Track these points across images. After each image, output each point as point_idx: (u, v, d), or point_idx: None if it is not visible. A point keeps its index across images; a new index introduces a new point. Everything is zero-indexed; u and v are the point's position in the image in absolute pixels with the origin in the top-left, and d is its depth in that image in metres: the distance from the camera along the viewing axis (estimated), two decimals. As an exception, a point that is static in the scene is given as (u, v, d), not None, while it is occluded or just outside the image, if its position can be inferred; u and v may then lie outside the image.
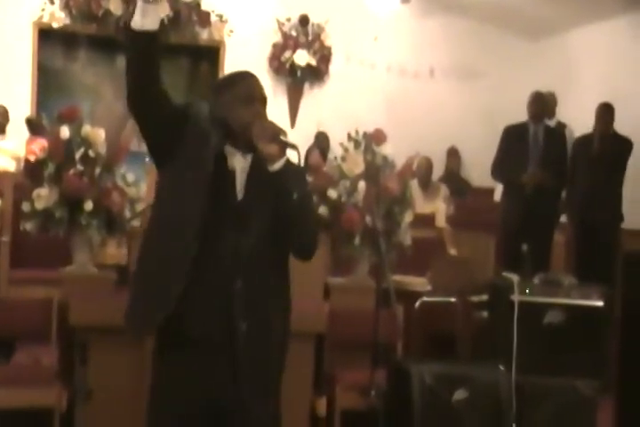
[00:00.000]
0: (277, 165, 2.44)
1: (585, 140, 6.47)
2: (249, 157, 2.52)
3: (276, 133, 2.45)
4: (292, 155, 2.54)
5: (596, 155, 6.29)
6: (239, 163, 2.51)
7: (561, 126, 7.32)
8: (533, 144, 6.12)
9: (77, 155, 3.99)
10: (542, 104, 6.26)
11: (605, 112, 6.37)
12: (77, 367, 3.61)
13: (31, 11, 7.32)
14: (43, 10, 7.32)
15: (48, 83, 7.26)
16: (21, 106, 7.08)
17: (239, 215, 2.46)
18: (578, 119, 7.16)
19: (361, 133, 4.84)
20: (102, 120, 7.00)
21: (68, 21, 7.39)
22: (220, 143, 2.48)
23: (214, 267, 2.42)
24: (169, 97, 2.47)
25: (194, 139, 2.45)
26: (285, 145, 2.47)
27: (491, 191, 7.59)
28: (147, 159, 6.72)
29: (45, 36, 7.39)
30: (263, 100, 2.53)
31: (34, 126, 6.04)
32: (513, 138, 6.18)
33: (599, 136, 6.35)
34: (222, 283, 2.42)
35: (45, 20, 7.36)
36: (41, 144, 3.94)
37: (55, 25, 7.37)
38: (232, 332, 2.42)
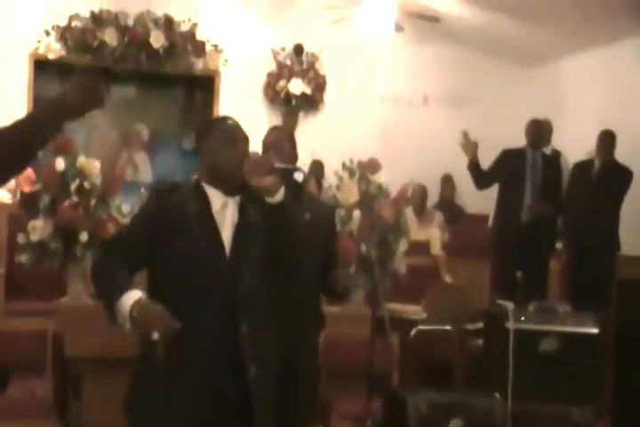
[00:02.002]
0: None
1: (584, 167, 6.50)
2: (237, 199, 2.54)
3: (270, 165, 2.48)
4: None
5: (595, 181, 6.33)
6: (232, 213, 2.50)
7: (556, 154, 7.36)
8: (531, 171, 6.14)
9: (72, 186, 4.01)
10: (540, 131, 6.31)
11: (607, 139, 6.42)
12: (72, 400, 3.60)
13: (27, 42, 7.36)
14: (39, 41, 7.36)
15: (43, 114, 7.28)
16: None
17: (231, 271, 2.46)
18: (571, 146, 7.21)
19: (355, 162, 4.87)
20: (97, 150, 7.13)
21: (63, 52, 7.44)
22: (205, 211, 2.47)
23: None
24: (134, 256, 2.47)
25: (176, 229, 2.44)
26: (286, 171, 2.51)
27: (486, 218, 7.59)
28: (142, 189, 6.78)
29: (41, 67, 7.43)
30: (246, 140, 2.57)
31: None
32: (510, 160, 6.20)
33: (601, 163, 6.38)
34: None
35: (41, 51, 7.40)
36: (28, 176, 3.95)
37: (51, 56, 7.42)
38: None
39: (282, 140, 3.24)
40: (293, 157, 3.30)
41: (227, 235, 2.47)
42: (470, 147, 6.14)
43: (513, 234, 5.99)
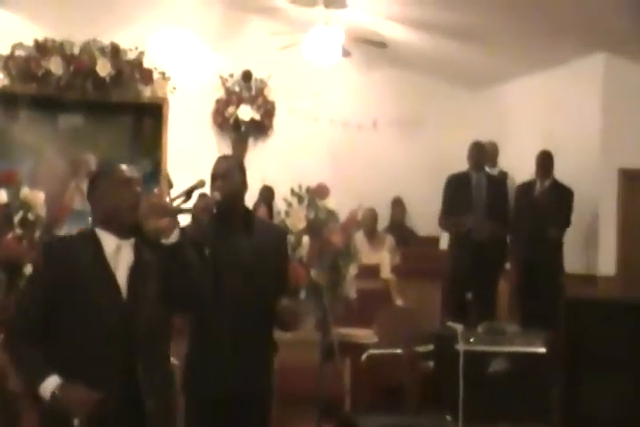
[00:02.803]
0: (173, 237, 2.54)
1: (526, 188, 6.62)
2: (132, 241, 2.60)
3: (166, 207, 2.55)
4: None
5: (537, 202, 6.44)
6: (126, 256, 2.57)
7: (503, 175, 7.48)
8: (476, 192, 6.24)
9: (16, 218, 3.97)
10: (482, 153, 6.41)
11: (545, 160, 6.55)
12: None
13: (-30, 72, 7.29)
14: (-19, 71, 7.29)
15: (-13, 143, 7.21)
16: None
17: (129, 312, 2.53)
18: (518, 168, 7.33)
19: (304, 188, 4.90)
20: (44, 181, 7.04)
21: (7, 82, 7.36)
22: (98, 255, 2.55)
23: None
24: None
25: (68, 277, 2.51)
26: (180, 212, 2.59)
27: (436, 240, 7.68)
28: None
29: (-16, 97, 7.35)
30: (138, 182, 2.65)
31: None
32: (455, 186, 6.31)
33: (540, 183, 6.50)
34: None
35: (-16, 80, 7.33)
36: None
37: (-6, 86, 7.34)
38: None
39: (231, 170, 3.24)
40: (243, 185, 3.30)
41: (122, 277, 2.54)
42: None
43: (465, 255, 6.05)
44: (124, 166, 2.65)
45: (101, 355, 2.48)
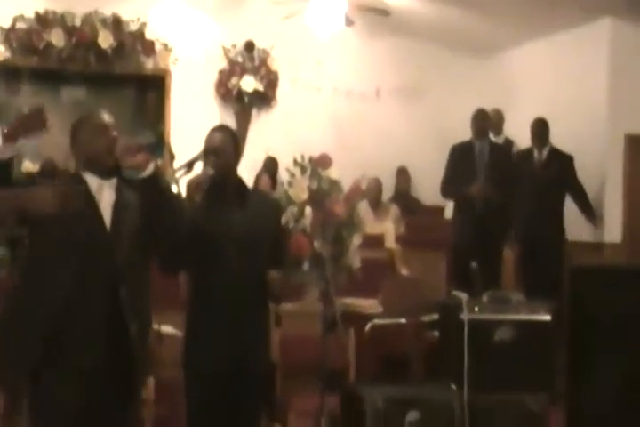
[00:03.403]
0: (147, 171, 2.76)
1: (525, 155, 6.58)
2: (113, 182, 2.83)
3: (138, 145, 2.76)
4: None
5: (536, 170, 6.40)
6: (108, 195, 2.81)
7: (508, 143, 7.42)
8: (479, 160, 6.19)
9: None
10: (484, 121, 6.35)
11: (539, 127, 6.49)
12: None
13: (-30, 45, 7.26)
14: (-18, 44, 7.26)
15: (-11, 116, 7.19)
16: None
17: (111, 243, 2.76)
18: (524, 136, 7.27)
19: (307, 158, 4.87)
20: (47, 152, 7.04)
21: (8, 55, 7.32)
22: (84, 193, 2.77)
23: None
24: None
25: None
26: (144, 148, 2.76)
27: (441, 209, 7.65)
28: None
29: (-15, 70, 7.32)
30: (113, 128, 2.87)
31: None
32: (459, 156, 6.26)
33: (538, 152, 6.47)
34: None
35: (-15, 53, 7.29)
36: None
37: (-5, 59, 7.31)
38: None
39: (223, 144, 3.22)
40: (236, 159, 3.28)
41: (105, 213, 2.80)
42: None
43: (469, 224, 6.03)
44: (100, 113, 2.90)
45: (87, 282, 2.69)
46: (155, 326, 4.06)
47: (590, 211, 6.51)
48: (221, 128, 3.34)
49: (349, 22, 7.56)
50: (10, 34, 7.27)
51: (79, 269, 2.69)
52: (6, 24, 7.29)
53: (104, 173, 2.82)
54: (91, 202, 2.77)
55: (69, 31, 7.39)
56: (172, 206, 2.85)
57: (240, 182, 3.29)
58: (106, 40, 7.47)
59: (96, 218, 2.77)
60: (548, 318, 4.33)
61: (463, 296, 4.37)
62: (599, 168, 6.70)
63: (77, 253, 2.70)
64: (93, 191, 2.79)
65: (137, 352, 2.79)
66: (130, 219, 2.81)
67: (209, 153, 3.20)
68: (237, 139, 3.33)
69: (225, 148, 3.21)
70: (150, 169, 2.77)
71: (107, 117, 2.90)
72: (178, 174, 3.31)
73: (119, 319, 2.73)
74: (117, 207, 2.81)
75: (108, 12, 7.57)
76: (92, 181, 2.81)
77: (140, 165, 2.75)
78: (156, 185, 2.79)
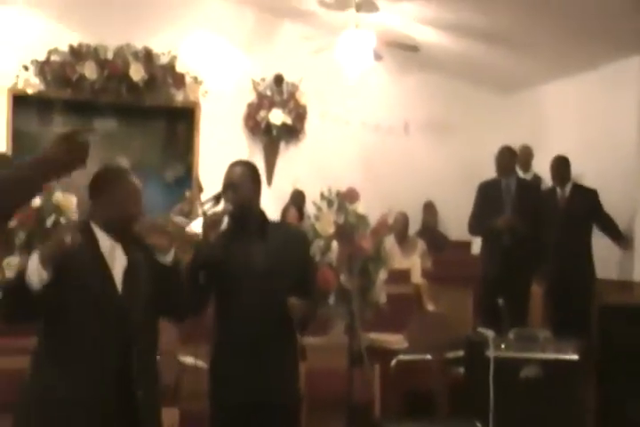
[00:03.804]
0: (169, 256, 2.76)
1: (550, 193, 6.56)
2: (124, 243, 2.74)
3: (163, 227, 2.73)
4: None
5: (562, 206, 6.37)
6: (119, 256, 2.73)
7: (537, 179, 7.39)
8: (506, 197, 6.17)
9: (49, 222, 4.00)
10: (509, 158, 6.33)
11: (559, 165, 6.48)
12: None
13: (5, 77, 7.36)
14: (17, 76, 7.36)
15: (23, 147, 7.25)
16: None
17: (124, 306, 2.70)
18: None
19: (334, 192, 4.88)
20: (77, 184, 7.10)
21: (42, 87, 7.45)
22: (95, 251, 2.69)
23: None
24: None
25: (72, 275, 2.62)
26: (181, 235, 2.80)
27: (468, 245, 7.62)
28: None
29: (20, 101, 7.43)
30: (142, 192, 2.82)
31: None
32: (487, 193, 6.24)
33: (560, 189, 6.45)
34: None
35: (20, 86, 7.39)
36: None
37: (30, 91, 7.42)
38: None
39: (242, 179, 3.22)
40: (255, 193, 3.27)
41: (117, 274, 2.70)
42: None
43: (496, 259, 5.99)
44: (133, 177, 2.78)
45: (97, 344, 2.62)
46: (179, 358, 4.07)
47: (620, 236, 6.45)
48: (240, 163, 3.32)
49: (378, 57, 7.62)
50: (44, 66, 7.40)
51: (93, 327, 2.64)
52: (41, 57, 7.43)
53: (119, 236, 2.74)
54: (103, 264, 2.69)
55: (102, 64, 7.51)
56: (183, 290, 2.85)
57: (261, 215, 3.29)
58: (137, 73, 7.58)
59: (109, 280, 2.69)
60: (575, 356, 4.28)
61: (489, 333, 4.33)
62: (628, 205, 6.65)
63: (92, 311, 2.64)
64: (104, 250, 2.71)
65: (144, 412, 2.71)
66: (140, 283, 2.75)
67: (227, 188, 3.21)
68: (257, 172, 3.32)
69: (243, 182, 3.21)
70: (172, 255, 2.77)
71: (138, 181, 2.82)
72: (206, 207, 3.33)
73: (128, 379, 2.66)
74: (129, 270, 2.74)
75: (139, 44, 7.70)
76: (104, 239, 2.72)
77: (162, 247, 2.75)
78: (177, 274, 2.80)
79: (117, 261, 2.70)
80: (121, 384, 2.64)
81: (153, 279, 2.76)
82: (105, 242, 2.70)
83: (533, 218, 6.01)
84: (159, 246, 2.73)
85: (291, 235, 3.39)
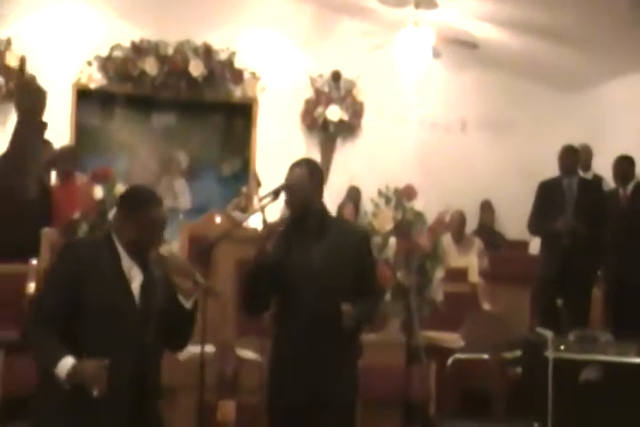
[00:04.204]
0: (190, 303, 2.79)
1: (613, 193, 6.43)
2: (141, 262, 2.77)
3: (190, 273, 2.76)
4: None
5: (624, 207, 6.24)
6: (136, 272, 2.75)
7: (597, 179, 7.26)
8: (568, 197, 6.05)
9: (110, 214, 4.06)
10: (573, 157, 6.21)
11: (622, 166, 6.33)
12: None
13: (70, 72, 7.53)
14: (81, 71, 7.52)
15: (85, 141, 7.42)
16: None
17: (139, 322, 2.73)
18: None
19: (391, 189, 4.86)
20: (137, 178, 7.21)
21: (104, 82, 7.59)
22: (117, 265, 2.73)
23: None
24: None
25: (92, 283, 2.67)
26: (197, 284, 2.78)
27: (525, 244, 7.52)
28: (180, 216, 6.85)
29: (83, 96, 7.59)
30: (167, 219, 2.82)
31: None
32: (547, 192, 6.13)
33: (623, 190, 6.31)
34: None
35: (83, 81, 7.56)
36: None
37: (93, 86, 7.57)
38: None
39: (301, 181, 3.20)
40: (315, 193, 3.25)
41: (135, 288, 2.73)
42: None
43: (556, 260, 5.89)
44: (163, 205, 2.78)
45: (115, 352, 2.63)
46: (237, 352, 4.10)
47: None
48: (299, 164, 3.29)
49: (436, 54, 7.57)
50: (107, 62, 7.53)
51: (110, 338, 2.67)
52: (104, 53, 7.56)
53: (137, 258, 2.77)
54: (123, 277, 2.72)
55: (162, 59, 7.61)
56: (191, 332, 2.88)
57: (322, 213, 3.29)
58: (197, 68, 7.66)
59: (128, 293, 2.72)
60: (638, 360, 4.20)
61: (548, 334, 4.27)
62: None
63: (111, 321, 2.68)
64: (125, 265, 2.74)
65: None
66: (156, 299, 2.78)
67: (287, 190, 3.21)
68: (317, 172, 3.29)
69: (303, 184, 3.19)
70: (192, 301, 2.80)
71: (165, 210, 2.82)
72: (264, 202, 3.34)
73: (142, 387, 2.72)
74: (147, 286, 2.77)
75: (199, 41, 7.77)
76: (124, 255, 2.75)
77: (187, 293, 2.78)
78: (192, 319, 2.84)
79: (135, 275, 2.74)
80: (134, 392, 2.69)
81: (167, 302, 2.79)
82: (125, 258, 2.74)
83: (595, 219, 5.89)
84: (184, 290, 2.76)
85: (352, 233, 3.36)
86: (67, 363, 2.55)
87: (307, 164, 3.30)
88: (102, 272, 2.67)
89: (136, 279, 2.73)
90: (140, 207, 2.74)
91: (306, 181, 3.21)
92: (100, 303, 2.64)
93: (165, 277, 2.81)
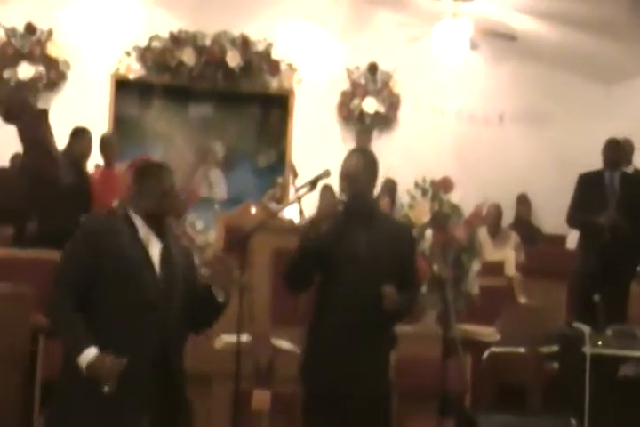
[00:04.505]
0: (223, 296, 2.78)
1: None
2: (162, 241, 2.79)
3: (229, 270, 2.78)
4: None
5: None
6: (154, 242, 2.77)
7: (638, 173, 7.15)
8: (610, 191, 5.96)
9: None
10: (618, 151, 6.11)
11: None
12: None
13: (109, 63, 7.61)
14: (120, 62, 7.60)
15: (123, 131, 7.49)
16: (98, 153, 7.30)
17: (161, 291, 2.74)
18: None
19: (428, 181, 4.84)
20: (173, 167, 7.24)
21: (143, 72, 7.65)
22: (134, 235, 2.76)
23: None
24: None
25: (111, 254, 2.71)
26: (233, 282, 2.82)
27: (562, 239, 7.44)
28: (216, 206, 6.87)
29: (122, 86, 7.65)
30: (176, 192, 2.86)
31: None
32: (588, 185, 6.04)
33: None
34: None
35: (122, 71, 7.63)
36: None
37: (131, 76, 7.64)
38: None
39: (359, 170, 3.22)
40: (371, 184, 3.28)
41: (154, 255, 2.76)
42: None
43: (594, 255, 5.82)
44: (173, 176, 2.82)
45: (137, 326, 2.67)
46: (272, 341, 4.11)
47: None
48: (356, 152, 3.34)
49: (474, 46, 7.53)
50: (145, 53, 7.59)
51: (132, 309, 2.68)
52: (142, 43, 7.61)
53: (154, 227, 2.79)
54: (142, 248, 2.75)
55: (200, 50, 7.66)
56: (215, 319, 2.89)
57: (373, 204, 3.30)
58: (234, 59, 7.69)
59: (148, 263, 2.74)
60: (677, 356, 4.14)
61: (586, 329, 4.23)
62: None
63: (132, 292, 2.69)
64: (142, 235, 2.77)
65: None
66: (177, 272, 2.80)
67: (344, 178, 3.22)
68: (373, 162, 3.31)
69: (360, 174, 3.22)
70: (225, 297, 2.80)
71: (175, 180, 2.86)
72: (301, 192, 3.35)
73: (163, 359, 2.72)
74: (166, 255, 2.79)
75: (236, 32, 7.80)
76: (141, 225, 2.78)
77: (223, 286, 2.78)
78: (220, 310, 2.84)
79: (153, 244, 2.77)
80: (158, 376, 2.69)
81: (188, 273, 2.83)
82: (142, 228, 2.77)
83: (637, 214, 5.80)
84: (221, 284, 2.77)
85: (400, 227, 3.44)
86: (89, 354, 2.58)
87: (363, 153, 3.35)
88: (120, 242, 2.71)
89: (155, 247, 2.76)
90: (151, 179, 2.81)
91: (362, 171, 3.23)
92: (120, 271, 2.67)
93: (186, 250, 2.89)
